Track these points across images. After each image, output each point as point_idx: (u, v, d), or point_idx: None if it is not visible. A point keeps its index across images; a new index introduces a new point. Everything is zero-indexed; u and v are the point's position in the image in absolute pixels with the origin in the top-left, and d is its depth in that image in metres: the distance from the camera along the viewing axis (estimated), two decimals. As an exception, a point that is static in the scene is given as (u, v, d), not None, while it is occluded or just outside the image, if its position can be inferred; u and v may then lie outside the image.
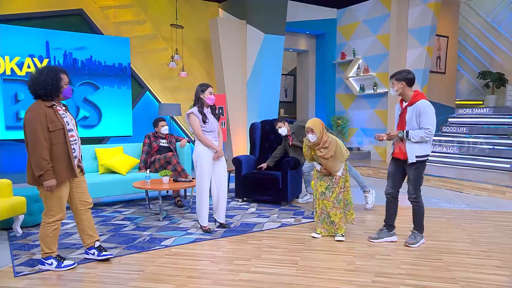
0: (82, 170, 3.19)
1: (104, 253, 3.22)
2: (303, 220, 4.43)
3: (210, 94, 3.92)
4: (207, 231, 3.96)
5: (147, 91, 7.80)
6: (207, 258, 3.34)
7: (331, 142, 3.68)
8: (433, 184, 6.49)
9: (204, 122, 3.88)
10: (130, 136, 7.38)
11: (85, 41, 6.83)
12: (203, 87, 3.92)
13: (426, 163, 3.49)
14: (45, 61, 6.49)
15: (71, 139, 3.00)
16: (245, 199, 5.42)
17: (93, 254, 3.21)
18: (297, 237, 3.84)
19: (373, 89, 8.63)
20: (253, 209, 4.95)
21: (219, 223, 4.15)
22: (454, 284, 2.79)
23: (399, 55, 8.04)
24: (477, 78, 8.85)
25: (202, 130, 3.89)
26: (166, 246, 3.57)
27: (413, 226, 3.62)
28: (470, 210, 4.94)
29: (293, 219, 4.50)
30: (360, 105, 9.08)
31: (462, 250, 3.47)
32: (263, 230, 4.07)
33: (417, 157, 3.39)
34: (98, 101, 6.91)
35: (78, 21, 7.00)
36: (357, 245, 3.61)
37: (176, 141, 5.69)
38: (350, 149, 9.03)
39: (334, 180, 3.75)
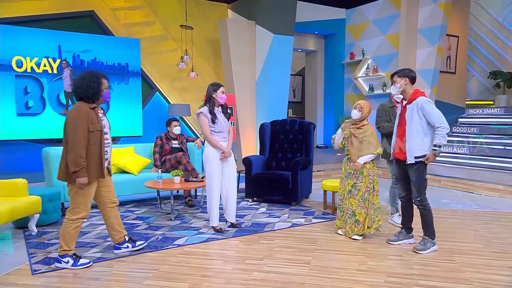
0: (109, 172, 3.36)
1: (138, 243, 3.46)
2: (314, 220, 4.45)
3: (222, 94, 3.94)
4: (218, 231, 4.00)
5: (157, 92, 7.86)
6: (219, 257, 3.38)
7: (369, 127, 3.81)
8: (444, 185, 6.46)
9: (214, 122, 3.89)
10: (140, 136, 7.44)
11: (96, 42, 6.94)
12: (215, 87, 3.94)
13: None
14: (58, 61, 6.64)
15: (105, 141, 3.16)
16: (255, 199, 5.44)
17: (127, 247, 3.41)
18: (308, 237, 3.86)
19: (382, 89, 8.60)
20: (263, 209, 4.98)
21: (230, 223, 4.19)
22: (467, 285, 2.79)
23: (409, 55, 8.00)
24: (488, 78, 8.78)
25: (211, 130, 3.91)
26: (179, 246, 3.61)
27: (423, 232, 3.51)
28: (481, 211, 4.92)
29: (304, 219, 4.52)
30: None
31: (475, 251, 3.47)
32: (275, 230, 4.10)
33: (416, 158, 3.36)
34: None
35: (90, 23, 7.08)
36: (369, 246, 3.61)
37: (187, 142, 5.73)
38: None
39: (360, 178, 3.76)
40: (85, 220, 3.40)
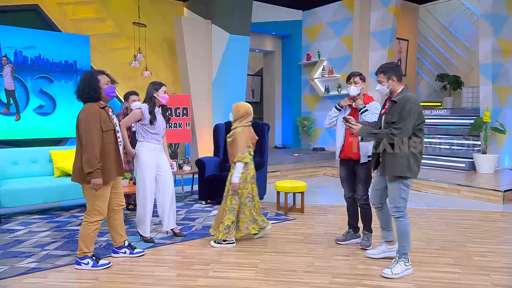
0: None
1: (136, 250, 3.39)
2: (266, 222, 4.42)
3: (164, 93, 3.74)
4: (149, 241, 3.74)
5: (109, 91, 7.55)
6: (165, 263, 3.26)
7: (236, 132, 3.70)
8: (394, 184, 6.66)
9: (152, 123, 3.64)
10: (91, 137, 7.12)
11: (41, 38, 6.55)
12: (156, 85, 3.74)
13: None
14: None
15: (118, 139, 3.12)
16: (208, 201, 5.35)
17: (125, 252, 3.36)
18: (258, 239, 3.82)
19: (337, 90, 8.77)
20: (216, 212, 4.89)
21: (172, 231, 3.91)
22: (408, 283, 2.86)
23: (362, 57, 8.22)
24: (436, 80, 9.18)
25: (147, 131, 3.66)
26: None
27: (363, 227, 3.65)
28: (426, 209, 5.10)
29: (256, 221, 4.48)
30: (325, 106, 9.20)
31: (417, 248, 3.57)
32: (225, 233, 4.02)
33: (368, 157, 3.47)
34: (53, 92, 6.81)
35: (33, 17, 6.67)
36: (317, 247, 3.63)
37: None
38: (315, 149, 9.13)
39: (229, 187, 3.72)
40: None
